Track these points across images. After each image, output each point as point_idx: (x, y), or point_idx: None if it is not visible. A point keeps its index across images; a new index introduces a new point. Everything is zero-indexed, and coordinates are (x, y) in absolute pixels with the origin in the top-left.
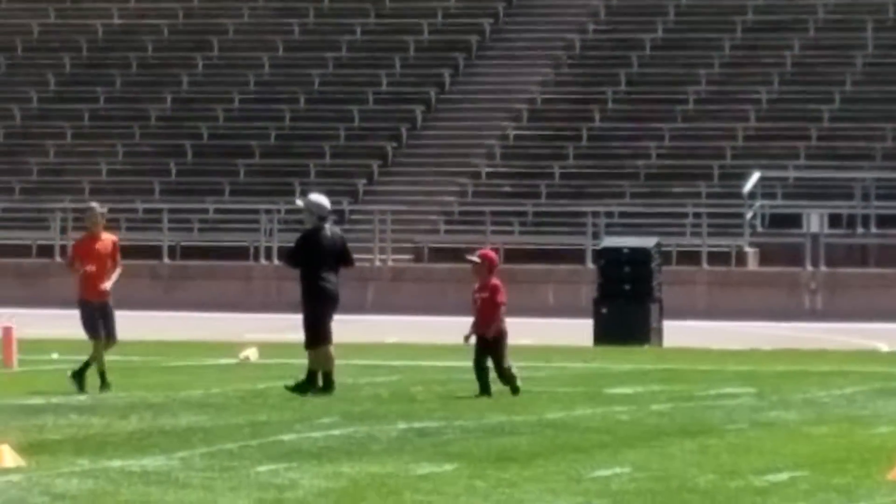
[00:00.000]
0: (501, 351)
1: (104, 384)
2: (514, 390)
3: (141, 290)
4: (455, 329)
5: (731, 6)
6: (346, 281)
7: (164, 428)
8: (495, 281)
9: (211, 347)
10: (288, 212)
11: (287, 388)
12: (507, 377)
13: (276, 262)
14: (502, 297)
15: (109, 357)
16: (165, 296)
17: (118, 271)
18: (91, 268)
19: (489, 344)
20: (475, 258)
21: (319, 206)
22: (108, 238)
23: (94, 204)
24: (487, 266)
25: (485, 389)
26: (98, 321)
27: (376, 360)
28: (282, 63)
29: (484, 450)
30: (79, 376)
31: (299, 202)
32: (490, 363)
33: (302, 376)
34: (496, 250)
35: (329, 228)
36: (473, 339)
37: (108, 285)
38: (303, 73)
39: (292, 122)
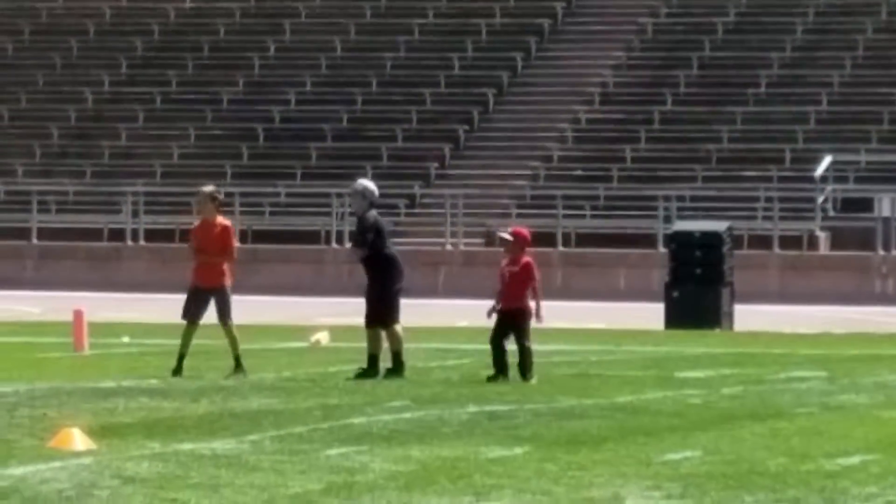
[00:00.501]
0: (525, 328)
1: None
2: (525, 375)
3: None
4: None
5: None
6: (417, 265)
7: (235, 411)
8: (527, 259)
9: (282, 331)
10: None
11: (353, 377)
12: (526, 355)
13: (347, 245)
14: (537, 275)
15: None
16: (237, 279)
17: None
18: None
19: (512, 320)
20: (507, 235)
21: (373, 193)
22: (220, 223)
23: (203, 187)
24: (520, 244)
25: (501, 369)
26: (191, 303)
27: (447, 343)
28: (353, 46)
29: (554, 433)
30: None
31: (356, 185)
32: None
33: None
34: (530, 231)
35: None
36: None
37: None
38: (375, 56)
39: (364, 105)
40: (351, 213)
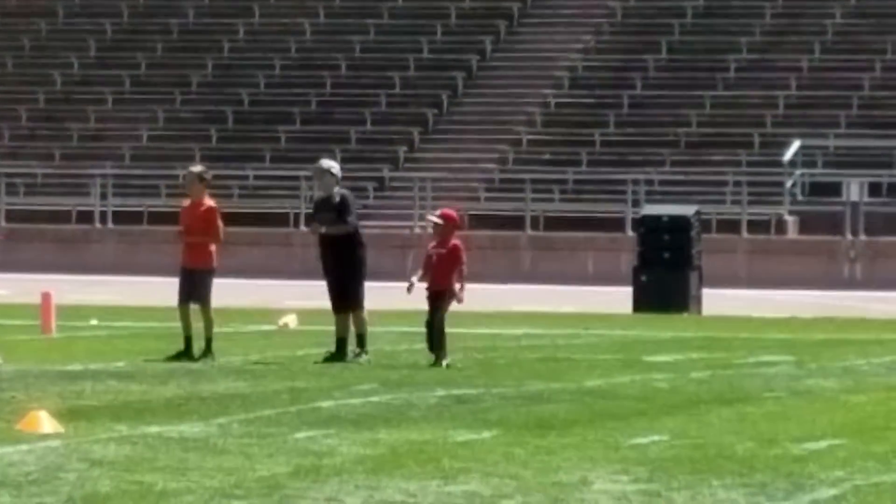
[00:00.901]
0: (444, 308)
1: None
2: (436, 353)
3: (179, 258)
4: (496, 296)
5: None
6: (386, 248)
7: (203, 394)
8: (456, 242)
9: (250, 314)
10: None
11: (321, 361)
12: (441, 336)
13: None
14: (464, 257)
15: (152, 323)
16: None
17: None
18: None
19: (439, 298)
20: (436, 218)
21: (339, 172)
22: (205, 204)
23: (192, 167)
24: (450, 226)
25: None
26: (182, 285)
27: (415, 327)
28: (323, 30)
29: (522, 417)
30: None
31: (326, 165)
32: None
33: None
34: (460, 212)
35: None
36: (415, 290)
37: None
38: (344, 39)
39: (333, 88)
40: (319, 195)
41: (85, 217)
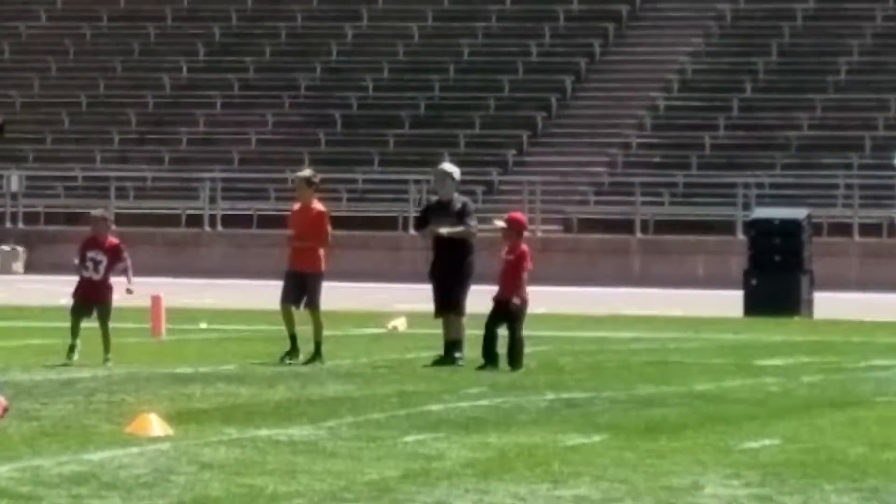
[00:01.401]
0: (520, 320)
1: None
2: (515, 364)
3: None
4: (605, 300)
5: None
6: (495, 252)
7: (312, 397)
8: (524, 246)
9: (360, 317)
10: None
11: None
12: (517, 349)
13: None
14: (528, 264)
15: (261, 326)
16: None
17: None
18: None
19: (506, 309)
20: (502, 223)
21: (458, 176)
22: (315, 208)
23: (301, 171)
24: (516, 230)
25: (490, 359)
26: (286, 286)
27: (525, 330)
28: (431, 33)
29: (633, 421)
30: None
31: (448, 169)
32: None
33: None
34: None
35: None
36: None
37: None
38: (452, 43)
39: (441, 92)
40: (435, 199)
41: (194, 220)
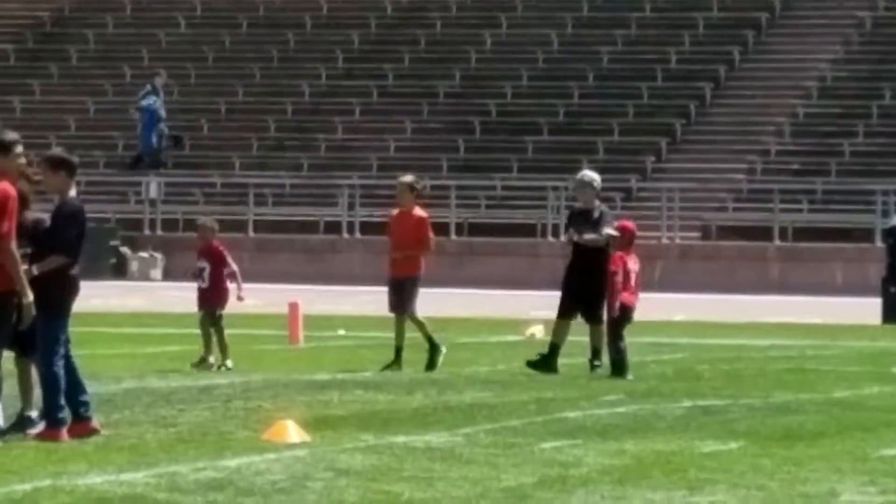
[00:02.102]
0: (621, 326)
1: (396, 361)
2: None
3: (428, 267)
4: (743, 307)
5: None
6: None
7: (449, 404)
8: (618, 254)
9: (497, 324)
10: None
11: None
12: (618, 353)
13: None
14: (614, 266)
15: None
16: (452, 272)
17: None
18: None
19: (616, 318)
20: (614, 231)
21: (600, 184)
22: (416, 214)
23: (403, 177)
24: (627, 238)
25: (617, 369)
26: (391, 295)
27: (663, 337)
28: (570, 40)
29: (769, 428)
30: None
31: (588, 178)
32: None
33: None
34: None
35: None
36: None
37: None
38: (591, 50)
39: (580, 99)
40: (578, 207)
41: (332, 227)
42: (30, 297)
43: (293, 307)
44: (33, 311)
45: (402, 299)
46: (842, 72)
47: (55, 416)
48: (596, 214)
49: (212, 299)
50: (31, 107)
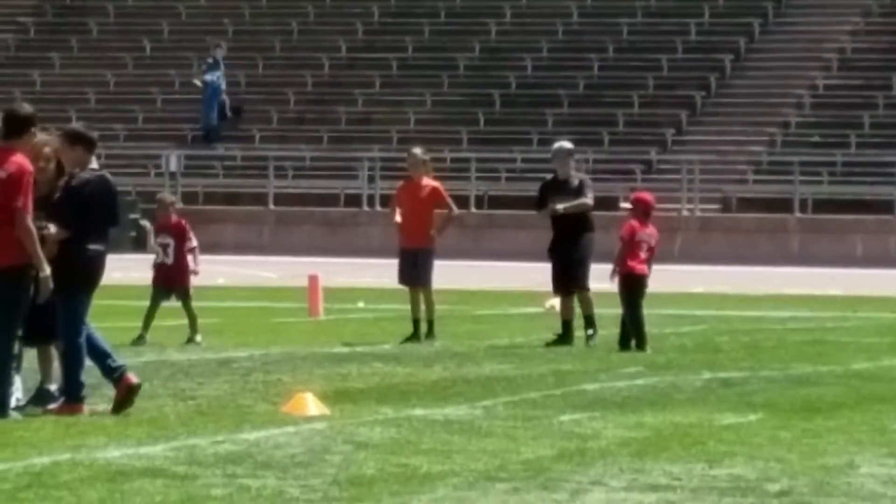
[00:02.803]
0: (634, 294)
1: (415, 334)
2: (638, 343)
3: (448, 239)
4: (763, 279)
5: None
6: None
7: (468, 377)
8: (630, 222)
9: (517, 296)
10: (595, 161)
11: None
12: (633, 323)
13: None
14: (622, 233)
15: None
16: (472, 245)
17: (450, 217)
18: (398, 218)
19: (625, 287)
20: (628, 204)
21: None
22: (428, 184)
23: (415, 149)
24: (642, 210)
25: (627, 340)
26: (406, 269)
27: (682, 309)
28: (590, 12)
29: (788, 400)
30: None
31: (568, 147)
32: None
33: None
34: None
35: None
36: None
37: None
38: (611, 22)
39: (600, 71)
40: (552, 177)
41: (353, 200)
42: (46, 270)
43: (313, 280)
44: (50, 285)
45: (419, 273)
46: (862, 43)
47: (75, 391)
48: (575, 183)
49: (177, 277)
50: (50, 80)
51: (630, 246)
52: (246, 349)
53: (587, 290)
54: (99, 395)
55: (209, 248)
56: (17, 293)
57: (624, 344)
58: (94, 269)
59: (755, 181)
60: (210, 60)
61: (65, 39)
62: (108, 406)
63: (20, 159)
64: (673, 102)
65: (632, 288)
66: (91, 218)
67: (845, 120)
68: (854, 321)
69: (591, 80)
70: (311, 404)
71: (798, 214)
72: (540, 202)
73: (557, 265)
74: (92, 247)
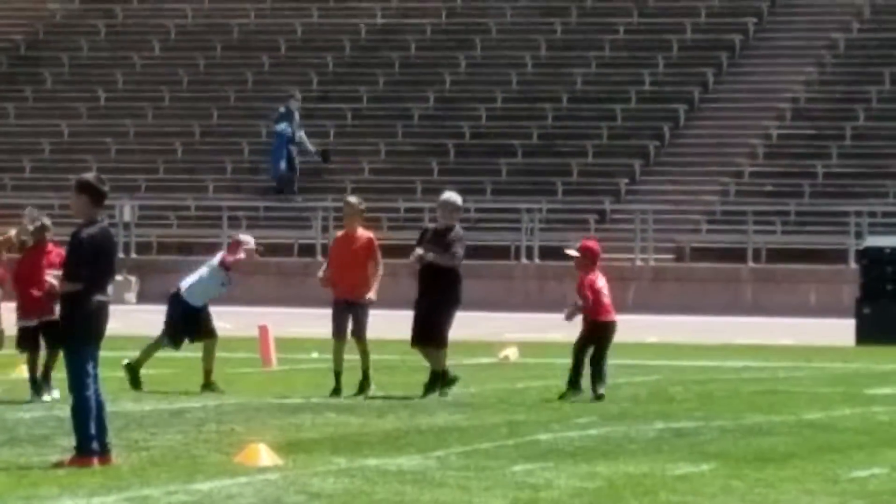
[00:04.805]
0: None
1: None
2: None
3: (402, 289)
4: (716, 329)
5: None
6: (609, 281)
7: (421, 427)
8: (584, 276)
9: (470, 346)
10: (549, 211)
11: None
12: (598, 374)
13: (536, 261)
14: (586, 285)
15: (373, 356)
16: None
17: (377, 272)
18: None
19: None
20: (575, 252)
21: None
22: (363, 235)
23: (350, 198)
24: (590, 258)
25: (577, 383)
26: (338, 319)
27: (636, 359)
28: (544, 62)
29: (741, 450)
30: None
31: (458, 199)
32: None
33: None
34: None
35: None
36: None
37: (371, 292)
38: (565, 72)
39: (554, 121)
40: (434, 226)
41: (306, 250)
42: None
43: (263, 330)
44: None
45: (358, 325)
46: (815, 93)
47: (86, 445)
48: (451, 234)
49: (50, 307)
50: (5, 129)
51: (598, 295)
52: (199, 399)
53: (442, 346)
54: (50, 445)
55: (162, 298)
56: None
57: (576, 384)
58: (100, 319)
59: (708, 230)
60: (282, 110)
61: (19, 90)
62: (60, 456)
63: None
64: (627, 152)
65: (608, 336)
66: (98, 269)
67: (799, 169)
68: (807, 371)
69: (544, 130)
70: (265, 454)
71: (751, 264)
72: (418, 247)
73: (418, 317)
74: (97, 298)
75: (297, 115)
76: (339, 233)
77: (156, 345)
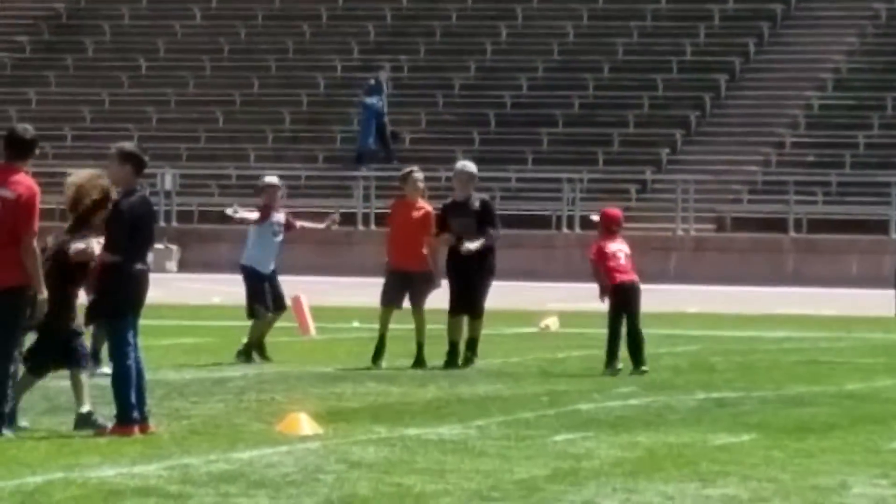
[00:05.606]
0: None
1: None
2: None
3: (442, 258)
4: (757, 299)
5: None
6: (648, 250)
7: (462, 396)
8: (596, 241)
9: (511, 316)
10: (590, 181)
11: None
12: (635, 349)
13: (577, 230)
14: (590, 253)
15: (411, 326)
16: None
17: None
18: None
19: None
20: (596, 217)
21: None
22: (423, 206)
23: (417, 173)
24: (605, 224)
25: (611, 354)
26: (392, 290)
27: (677, 329)
28: (586, 32)
29: (782, 420)
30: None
31: (473, 168)
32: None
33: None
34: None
35: None
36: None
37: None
38: (607, 41)
39: (596, 90)
40: (453, 199)
41: (347, 219)
42: (44, 293)
43: (296, 301)
44: (45, 309)
45: (413, 296)
46: (857, 63)
47: (126, 413)
48: (476, 205)
49: None
50: (46, 98)
51: (603, 259)
52: (239, 368)
53: (481, 316)
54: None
55: (203, 266)
56: (16, 313)
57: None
58: (140, 288)
59: (750, 201)
60: (372, 82)
61: (61, 58)
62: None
63: (27, 181)
64: (668, 122)
65: (627, 297)
66: (138, 239)
67: (840, 140)
68: (848, 341)
69: (586, 100)
70: (305, 424)
71: (792, 234)
72: (440, 226)
73: (456, 287)
74: (138, 266)
75: (385, 88)
76: (395, 200)
77: (257, 323)
